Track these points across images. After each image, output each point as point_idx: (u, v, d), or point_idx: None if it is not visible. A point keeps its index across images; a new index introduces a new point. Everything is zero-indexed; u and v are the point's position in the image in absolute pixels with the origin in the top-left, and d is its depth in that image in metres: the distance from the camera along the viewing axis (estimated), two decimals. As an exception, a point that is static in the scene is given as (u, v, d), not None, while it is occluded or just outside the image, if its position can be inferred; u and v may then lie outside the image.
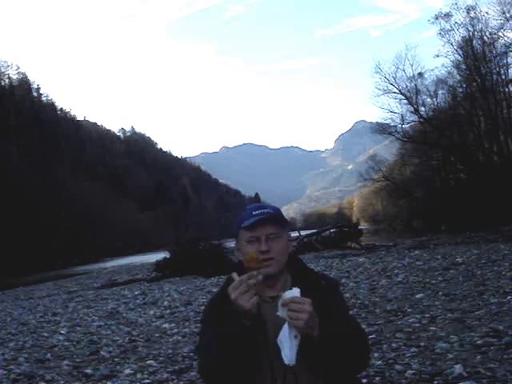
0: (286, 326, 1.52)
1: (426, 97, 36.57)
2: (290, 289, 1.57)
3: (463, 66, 34.28)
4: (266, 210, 1.71)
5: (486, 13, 32.17)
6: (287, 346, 1.50)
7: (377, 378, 3.86)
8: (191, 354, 5.26)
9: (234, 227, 1.77)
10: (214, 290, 10.98)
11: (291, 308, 1.51)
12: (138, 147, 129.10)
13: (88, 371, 5.04)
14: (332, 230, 23.75)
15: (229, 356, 1.57)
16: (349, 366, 1.62)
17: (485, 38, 32.65)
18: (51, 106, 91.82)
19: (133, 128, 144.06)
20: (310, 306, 1.51)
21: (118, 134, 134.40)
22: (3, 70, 76.20)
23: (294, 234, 24.69)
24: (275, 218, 1.70)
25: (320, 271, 1.92)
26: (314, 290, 1.67)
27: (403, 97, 34.94)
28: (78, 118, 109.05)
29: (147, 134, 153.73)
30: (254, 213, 1.70)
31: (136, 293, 12.53)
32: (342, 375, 1.61)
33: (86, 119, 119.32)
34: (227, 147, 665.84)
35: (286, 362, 1.49)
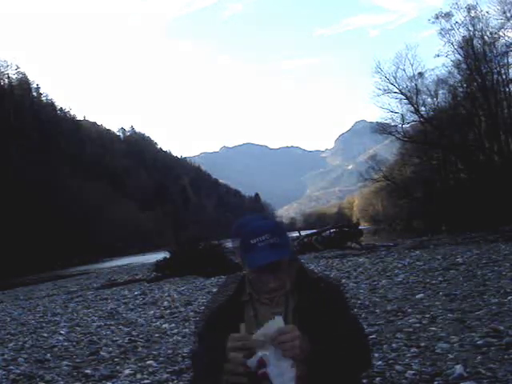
0: (270, 368, 1.45)
1: (426, 96, 36.58)
2: (271, 319, 1.48)
3: (464, 66, 34.25)
4: (266, 238, 1.57)
5: (487, 12, 32.19)
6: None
7: (377, 379, 3.85)
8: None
9: (232, 239, 1.70)
10: (214, 290, 10.96)
11: (282, 341, 1.44)
12: (137, 147, 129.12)
13: (88, 371, 5.04)
14: (332, 230, 23.74)
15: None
16: (347, 369, 1.57)
17: (485, 37, 32.64)
18: (51, 105, 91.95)
19: (133, 128, 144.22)
20: (297, 331, 1.46)
21: (117, 133, 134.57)
22: (3, 69, 76.48)
23: (294, 234, 24.69)
24: (279, 258, 1.59)
25: (321, 272, 1.86)
26: (314, 294, 1.64)
27: (403, 96, 34.94)
28: (78, 118, 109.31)
29: (147, 134, 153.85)
30: (253, 242, 1.58)
31: (136, 293, 12.51)
32: (342, 378, 1.58)
33: (86, 119, 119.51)
34: (227, 147, 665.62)
35: None
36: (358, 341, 1.62)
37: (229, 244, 19.15)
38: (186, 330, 6.80)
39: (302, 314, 1.62)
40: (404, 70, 34.62)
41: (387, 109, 35.69)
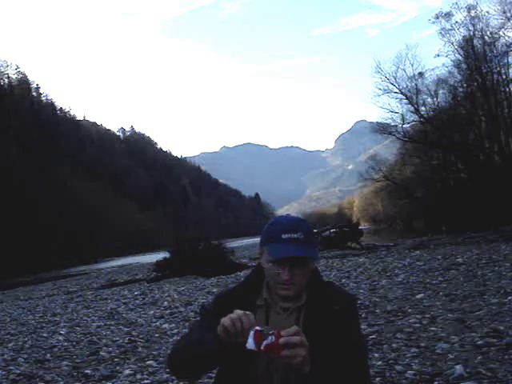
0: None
1: (426, 96, 36.56)
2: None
3: (464, 66, 34.24)
4: (295, 236, 1.57)
5: (487, 12, 32.21)
6: None
7: (377, 379, 3.85)
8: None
9: (261, 237, 1.65)
10: (214, 290, 10.97)
11: (291, 341, 1.38)
12: (137, 147, 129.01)
13: (88, 372, 5.04)
14: (332, 230, 23.73)
15: (191, 361, 1.56)
16: None
17: (485, 37, 32.65)
18: (51, 105, 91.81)
19: (132, 128, 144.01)
20: (305, 340, 1.41)
21: (117, 133, 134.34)
22: (3, 69, 76.25)
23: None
24: (303, 254, 1.57)
25: (339, 288, 1.80)
26: (325, 314, 1.60)
27: (404, 96, 34.92)
28: (78, 118, 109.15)
29: (147, 134, 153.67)
30: (283, 236, 1.58)
31: (136, 293, 12.51)
32: None
33: (86, 119, 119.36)
34: (227, 147, 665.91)
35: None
36: (359, 374, 1.57)
37: (229, 244, 19.20)
38: (186, 330, 6.79)
39: (310, 332, 1.56)
40: (404, 70, 34.66)
41: (387, 109, 35.72)
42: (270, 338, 1.39)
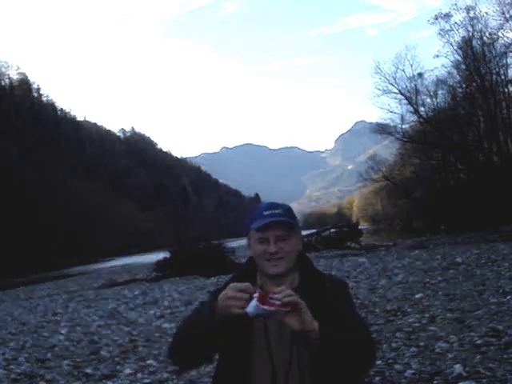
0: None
1: (425, 97, 36.52)
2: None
3: (463, 67, 34.24)
4: (276, 211, 1.68)
5: (486, 13, 32.14)
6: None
7: (377, 378, 3.87)
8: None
9: (247, 225, 1.76)
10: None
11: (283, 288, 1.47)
12: (138, 147, 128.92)
13: (88, 371, 5.05)
14: (332, 230, 23.73)
15: (191, 343, 1.59)
16: (350, 368, 1.58)
17: (484, 38, 32.61)
18: (51, 106, 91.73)
19: (133, 128, 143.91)
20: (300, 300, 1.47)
21: (118, 134, 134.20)
22: (3, 70, 76.22)
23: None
24: (285, 222, 1.67)
25: (328, 272, 1.90)
26: (320, 293, 1.65)
27: (403, 97, 34.87)
28: (78, 119, 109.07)
29: (147, 134, 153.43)
30: (264, 213, 1.68)
31: (136, 293, 12.53)
32: (345, 376, 1.58)
33: (86, 119, 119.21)
34: (227, 147, 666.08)
35: None
36: (364, 339, 1.62)
37: (229, 244, 19.21)
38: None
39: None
40: (403, 71, 34.58)
41: (387, 109, 35.73)
42: (256, 292, 1.48)
